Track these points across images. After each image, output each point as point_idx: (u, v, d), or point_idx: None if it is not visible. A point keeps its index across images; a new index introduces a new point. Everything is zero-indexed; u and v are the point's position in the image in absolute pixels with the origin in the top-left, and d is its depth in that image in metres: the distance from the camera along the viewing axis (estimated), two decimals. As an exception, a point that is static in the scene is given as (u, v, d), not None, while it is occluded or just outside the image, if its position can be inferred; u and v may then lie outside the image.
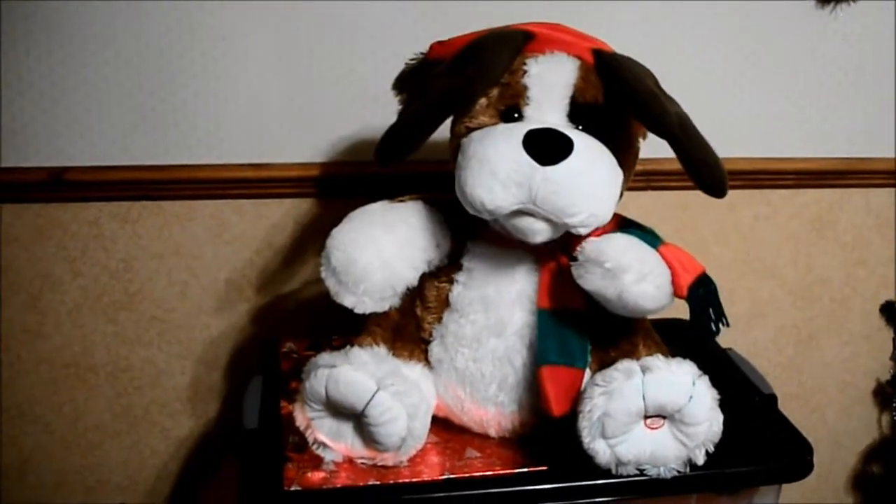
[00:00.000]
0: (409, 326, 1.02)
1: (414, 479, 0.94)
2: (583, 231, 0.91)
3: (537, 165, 0.86)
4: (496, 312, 0.97)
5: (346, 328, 1.06)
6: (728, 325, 0.94)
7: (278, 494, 0.91)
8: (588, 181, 0.89)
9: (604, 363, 0.94)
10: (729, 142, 1.37)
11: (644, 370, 0.89)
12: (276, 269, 1.32)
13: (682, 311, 1.32)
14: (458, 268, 1.00)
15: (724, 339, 1.25)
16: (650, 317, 1.03)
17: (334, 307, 0.98)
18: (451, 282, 1.00)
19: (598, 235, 0.94)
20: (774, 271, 1.48)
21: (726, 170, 0.95)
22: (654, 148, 1.35)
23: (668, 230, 1.38)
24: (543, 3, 1.23)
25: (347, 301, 0.95)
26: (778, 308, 1.50)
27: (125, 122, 1.22)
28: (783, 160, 1.40)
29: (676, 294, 0.90)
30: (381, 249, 0.94)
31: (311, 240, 1.30)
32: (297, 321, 1.32)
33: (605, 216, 0.92)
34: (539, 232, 0.91)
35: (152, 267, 1.29)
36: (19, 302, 1.28)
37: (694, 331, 0.93)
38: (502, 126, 0.93)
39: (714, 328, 0.93)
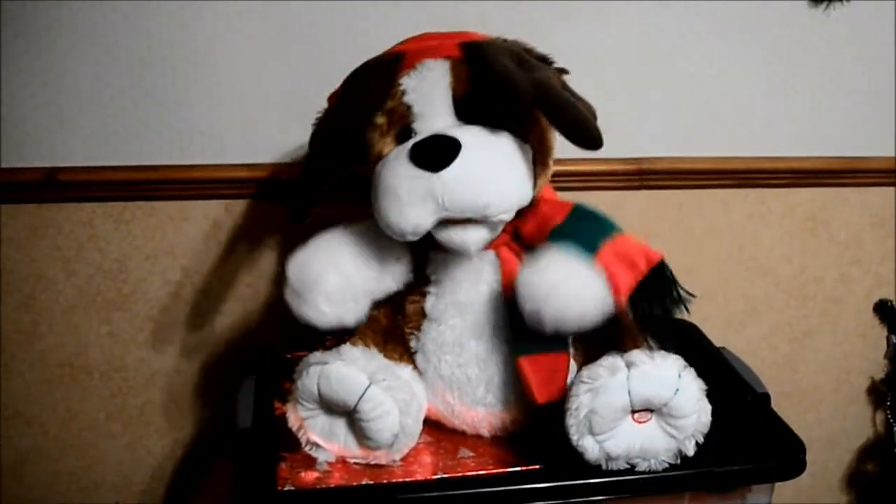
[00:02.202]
0: (397, 331, 1.02)
1: (407, 479, 0.94)
2: (506, 217, 0.92)
3: (431, 174, 0.87)
4: (472, 315, 0.98)
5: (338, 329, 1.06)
6: (682, 310, 0.94)
7: (272, 494, 0.92)
8: (486, 171, 0.90)
9: (589, 359, 0.95)
10: (723, 141, 1.38)
11: (629, 365, 0.89)
12: (269, 269, 1.32)
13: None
14: (426, 280, 1.01)
15: (718, 337, 1.26)
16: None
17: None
18: (423, 294, 1.01)
19: (546, 222, 0.96)
20: (768, 270, 1.48)
21: (591, 126, 0.93)
22: (648, 147, 1.36)
23: (662, 229, 1.40)
24: (543, 3, 1.23)
25: (307, 312, 0.96)
26: (772, 306, 1.50)
27: (119, 123, 1.22)
28: (777, 159, 1.40)
29: (616, 305, 0.90)
30: (337, 261, 0.97)
31: (304, 240, 1.30)
32: (291, 322, 1.32)
33: (520, 196, 0.93)
34: (470, 242, 0.92)
35: (146, 267, 1.29)
36: (13, 302, 1.28)
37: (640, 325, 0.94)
38: (394, 150, 0.94)
39: (663, 316, 0.93)
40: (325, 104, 1.14)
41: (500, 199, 0.90)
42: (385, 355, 0.97)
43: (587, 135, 0.91)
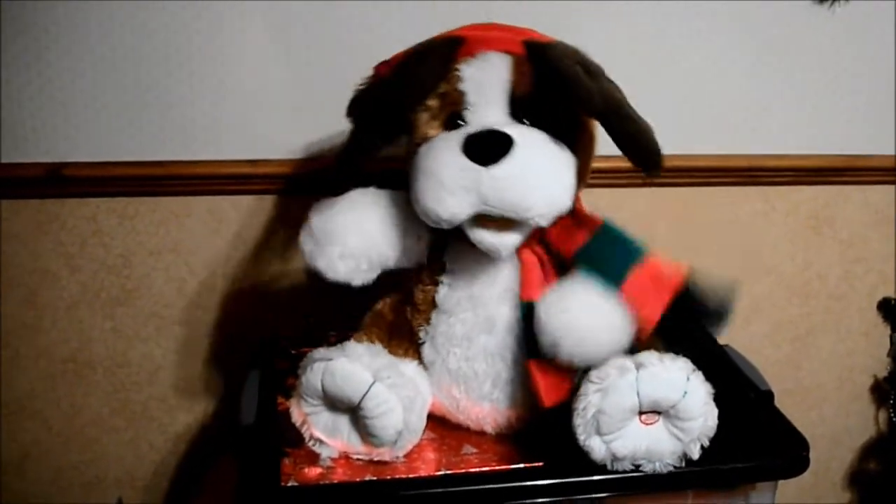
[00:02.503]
0: (403, 326, 1.02)
1: (410, 475, 0.94)
2: (543, 223, 0.91)
3: (480, 167, 0.87)
4: (484, 310, 0.97)
5: (343, 325, 1.06)
6: (728, 319, 0.93)
7: (275, 490, 0.92)
8: (534, 173, 0.89)
9: None
10: (727, 138, 1.38)
11: (638, 367, 0.89)
12: (273, 265, 1.32)
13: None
14: (442, 268, 1.01)
15: (722, 335, 1.26)
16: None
17: (331, 303, 0.98)
18: (436, 283, 1.00)
19: (575, 237, 0.95)
20: (772, 268, 1.48)
21: (656, 148, 0.94)
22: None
23: (666, 226, 1.40)
24: (546, 2, 1.23)
25: (320, 262, 0.96)
26: (775, 304, 1.50)
27: (123, 118, 1.22)
28: (781, 157, 1.40)
29: (641, 336, 0.90)
30: (361, 219, 0.97)
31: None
32: (295, 317, 1.32)
33: (562, 203, 0.92)
34: (504, 245, 0.92)
35: (150, 263, 1.30)
36: (17, 297, 1.28)
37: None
38: (443, 135, 0.93)
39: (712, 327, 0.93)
40: (327, 100, 1.15)
41: (544, 204, 0.89)
42: (390, 351, 0.97)
43: (651, 156, 0.92)
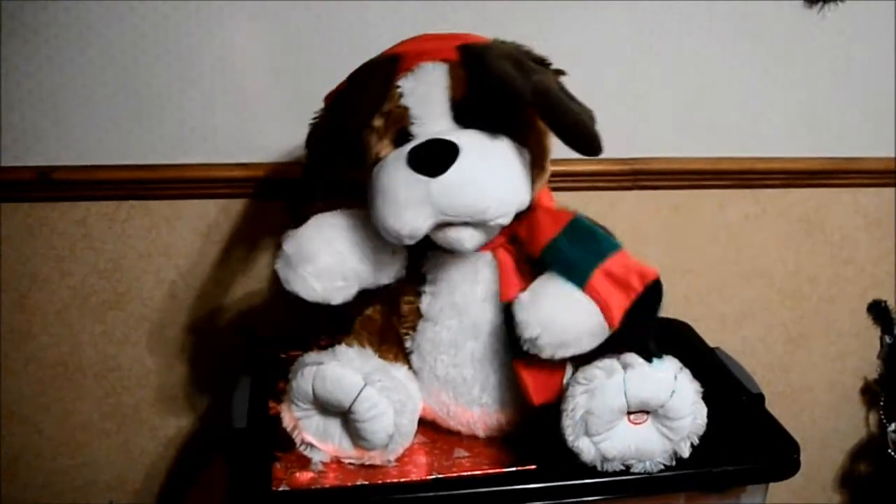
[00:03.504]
0: (392, 332, 1.02)
1: (402, 479, 0.94)
2: (504, 221, 0.91)
3: (428, 178, 0.87)
4: (469, 316, 0.98)
5: (333, 330, 1.06)
6: (657, 357, 0.92)
7: (266, 494, 0.91)
8: (482, 176, 0.89)
9: (585, 360, 0.95)
10: (718, 141, 1.38)
11: (625, 367, 0.89)
12: (264, 269, 1.32)
13: (669, 311, 1.32)
14: (422, 279, 1.01)
15: (712, 338, 1.26)
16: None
17: (322, 308, 0.98)
18: (419, 294, 1.01)
19: (544, 233, 0.95)
20: (763, 270, 1.48)
21: (591, 132, 0.93)
22: (642, 148, 1.36)
23: (656, 229, 1.40)
24: (543, 3, 1.23)
25: (295, 285, 0.96)
26: (766, 307, 1.51)
27: (113, 122, 1.21)
28: (772, 160, 1.40)
29: (609, 327, 0.90)
30: (332, 240, 0.97)
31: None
32: (285, 322, 1.32)
33: (518, 200, 0.92)
34: (466, 239, 0.92)
35: (140, 267, 1.29)
36: (7, 301, 1.28)
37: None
38: (392, 153, 0.93)
39: (648, 354, 0.92)
40: (319, 103, 1.14)
41: (498, 204, 0.90)
42: (380, 355, 0.97)
43: (587, 140, 0.91)
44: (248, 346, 1.25)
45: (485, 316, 0.97)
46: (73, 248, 1.27)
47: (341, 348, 0.94)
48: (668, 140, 1.35)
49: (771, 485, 1.04)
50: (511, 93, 0.90)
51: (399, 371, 0.98)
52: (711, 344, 1.24)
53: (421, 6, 1.22)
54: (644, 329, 0.92)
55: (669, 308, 1.29)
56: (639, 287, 0.90)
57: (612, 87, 1.31)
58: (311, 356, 0.93)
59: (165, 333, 1.33)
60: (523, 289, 0.93)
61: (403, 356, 1.01)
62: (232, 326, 1.34)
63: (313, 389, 0.91)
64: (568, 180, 1.28)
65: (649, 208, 1.39)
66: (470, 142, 0.90)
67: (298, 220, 1.00)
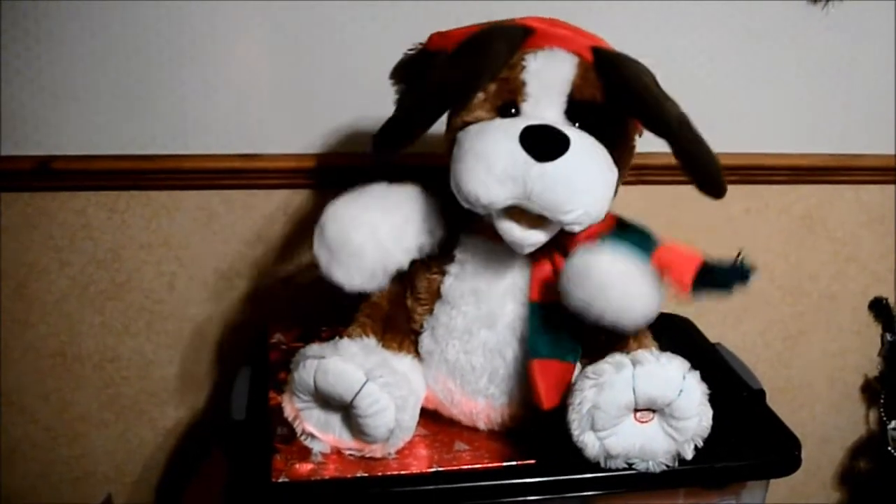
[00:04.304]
0: (399, 317, 1.01)
1: (402, 472, 0.93)
2: (576, 228, 0.91)
3: (533, 161, 0.86)
4: (487, 305, 0.97)
5: (334, 319, 1.06)
6: (747, 279, 0.93)
7: (266, 486, 0.91)
8: (583, 178, 0.89)
9: (594, 355, 0.94)
10: (721, 137, 1.36)
11: (634, 363, 0.89)
12: (264, 260, 1.31)
13: (670, 306, 1.32)
14: (451, 259, 1.00)
15: (713, 333, 1.26)
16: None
17: (323, 298, 0.97)
18: (443, 273, 1.00)
19: (592, 234, 0.95)
20: (764, 266, 1.48)
21: (719, 170, 0.95)
22: (645, 142, 1.35)
23: (658, 225, 1.38)
24: (544, 3, 1.23)
25: (337, 275, 0.94)
26: (767, 303, 1.50)
27: (113, 111, 1.21)
28: (775, 156, 1.40)
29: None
30: (377, 229, 0.94)
31: (300, 231, 1.30)
32: (286, 312, 1.32)
33: (599, 214, 0.92)
34: (528, 244, 0.91)
35: (140, 257, 1.29)
36: (6, 291, 1.27)
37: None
38: (499, 121, 0.92)
39: (730, 289, 0.93)
40: (316, 94, 1.14)
41: (584, 210, 0.89)
42: (384, 344, 0.97)
43: (717, 183, 0.94)
44: (249, 336, 1.25)
45: (503, 308, 0.97)
46: (73, 238, 1.26)
47: (343, 342, 0.93)
48: (671, 135, 1.35)
49: (771, 481, 1.03)
50: (657, 116, 0.91)
51: (402, 362, 0.98)
52: (712, 339, 1.24)
53: (423, 5, 1.21)
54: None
55: (669, 303, 1.30)
56: (698, 258, 0.92)
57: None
58: (313, 348, 0.92)
59: (165, 324, 1.33)
60: (558, 291, 0.93)
61: (409, 344, 1.01)
62: (232, 317, 1.34)
63: (315, 383, 0.90)
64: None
65: (652, 203, 1.38)
66: (581, 142, 0.89)
67: (383, 157, 0.97)
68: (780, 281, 1.49)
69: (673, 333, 1.01)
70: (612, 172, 0.93)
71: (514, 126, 0.89)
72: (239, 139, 1.25)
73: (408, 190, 0.99)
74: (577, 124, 0.93)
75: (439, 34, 1.00)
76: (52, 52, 1.17)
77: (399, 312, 1.02)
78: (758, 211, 1.44)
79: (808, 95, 1.38)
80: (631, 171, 1.33)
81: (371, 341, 0.96)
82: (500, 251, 0.97)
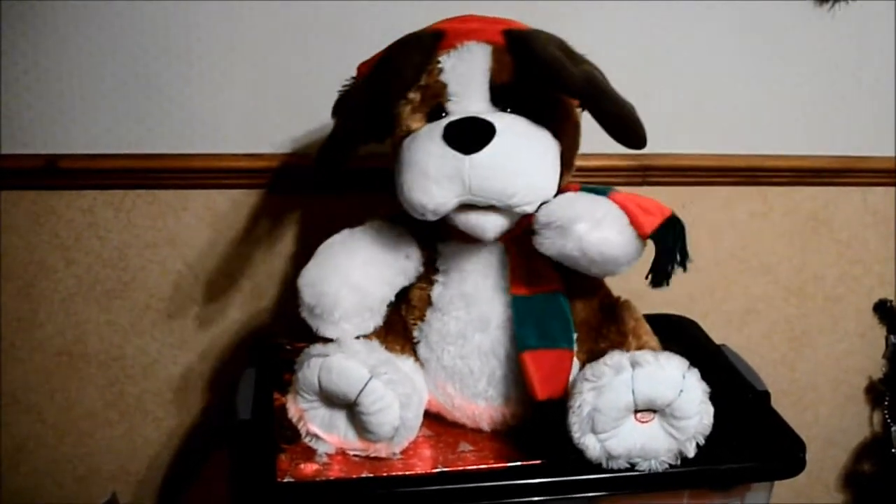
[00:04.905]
0: (399, 323, 1.02)
1: (407, 472, 0.94)
2: (529, 209, 0.92)
3: (462, 156, 0.87)
4: (477, 308, 0.98)
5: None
6: (685, 268, 0.93)
7: (271, 486, 0.91)
8: (516, 159, 0.90)
9: (593, 355, 0.94)
10: (725, 138, 1.38)
11: (633, 365, 0.89)
12: (270, 259, 1.31)
13: (675, 307, 1.32)
14: (435, 271, 1.01)
15: (718, 334, 1.26)
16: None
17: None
18: (431, 283, 1.01)
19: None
20: (769, 268, 1.48)
21: (639, 125, 0.95)
22: (651, 144, 1.35)
23: (663, 225, 1.39)
24: (547, 2, 1.23)
25: (329, 332, 0.95)
26: (772, 305, 1.50)
27: (120, 111, 1.21)
28: (779, 157, 1.40)
29: (640, 234, 0.90)
30: (347, 276, 0.95)
31: (305, 231, 1.30)
32: (291, 313, 1.32)
33: (547, 189, 0.93)
34: (489, 226, 0.92)
35: (146, 256, 1.29)
36: (13, 290, 1.27)
37: (652, 273, 0.92)
38: (426, 127, 0.94)
39: (670, 270, 0.92)
40: (326, 95, 1.14)
41: (528, 191, 0.90)
42: (386, 347, 0.97)
43: (633, 131, 0.93)
44: (254, 336, 1.25)
45: (494, 309, 0.97)
46: (79, 236, 1.26)
47: (347, 340, 0.94)
48: (676, 137, 1.35)
49: (775, 483, 1.03)
50: (562, 79, 0.91)
51: (405, 363, 0.98)
52: (717, 341, 1.24)
53: (425, 5, 1.21)
54: (671, 253, 0.92)
55: (675, 304, 1.30)
56: (660, 216, 0.92)
57: (622, 83, 1.29)
58: (317, 347, 0.93)
59: (170, 323, 1.33)
60: (539, 280, 0.95)
61: (410, 348, 1.01)
62: (237, 317, 1.34)
63: (319, 381, 0.91)
64: (578, 175, 1.26)
65: (656, 204, 1.38)
66: (506, 125, 0.90)
67: (322, 186, 1.03)
68: (785, 283, 1.49)
69: (678, 335, 1.01)
70: (548, 147, 0.94)
71: (438, 126, 0.90)
72: (246, 139, 1.25)
73: (368, 228, 1.00)
74: (507, 109, 0.94)
75: (364, 63, 1.02)
76: (59, 50, 1.17)
77: (398, 319, 1.02)
78: (763, 212, 1.44)
79: (815, 96, 1.38)
80: (636, 171, 1.34)
81: (374, 342, 0.96)
82: (476, 251, 0.98)
